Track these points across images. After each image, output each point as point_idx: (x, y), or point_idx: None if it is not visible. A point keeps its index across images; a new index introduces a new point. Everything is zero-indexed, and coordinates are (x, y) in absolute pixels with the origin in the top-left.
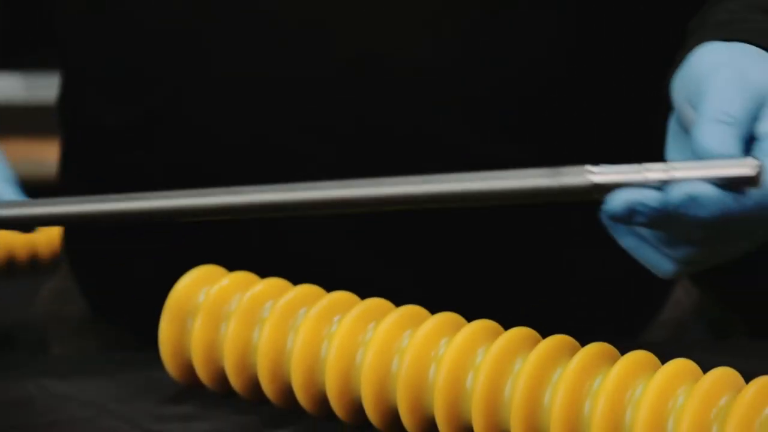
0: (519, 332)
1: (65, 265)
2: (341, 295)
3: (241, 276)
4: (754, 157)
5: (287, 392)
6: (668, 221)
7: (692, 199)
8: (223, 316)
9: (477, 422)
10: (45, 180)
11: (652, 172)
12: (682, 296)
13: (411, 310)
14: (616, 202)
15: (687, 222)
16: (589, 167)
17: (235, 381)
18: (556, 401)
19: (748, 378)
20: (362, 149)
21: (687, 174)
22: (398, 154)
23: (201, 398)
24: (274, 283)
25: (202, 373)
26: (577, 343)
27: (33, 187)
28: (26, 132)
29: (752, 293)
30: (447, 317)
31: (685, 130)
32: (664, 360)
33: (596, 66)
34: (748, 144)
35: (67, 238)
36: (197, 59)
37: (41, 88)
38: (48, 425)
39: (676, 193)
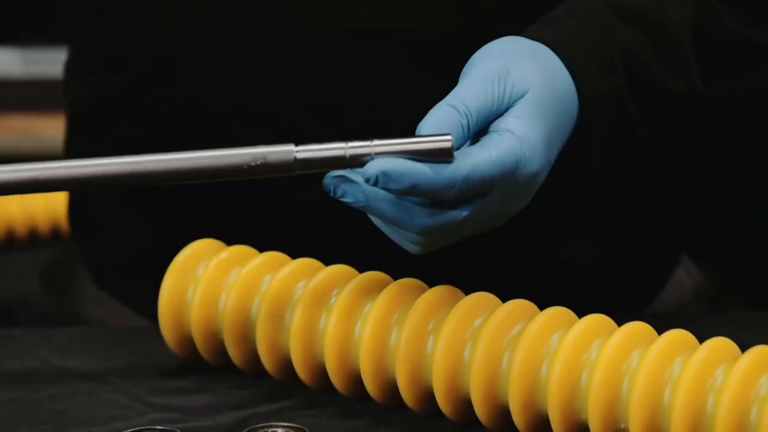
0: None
1: (68, 236)
2: (339, 269)
3: (240, 250)
4: (447, 133)
5: (286, 365)
6: (377, 201)
7: (385, 174)
8: (222, 289)
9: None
10: (44, 154)
11: (354, 148)
12: (684, 278)
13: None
14: (327, 179)
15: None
16: (294, 146)
17: (234, 354)
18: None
19: (744, 348)
20: (351, 122)
21: (387, 149)
22: (390, 124)
23: (201, 372)
24: (273, 256)
25: (202, 346)
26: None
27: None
28: (25, 107)
29: (748, 265)
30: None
31: None
32: (661, 332)
33: None
34: (476, 135)
35: (72, 208)
36: (188, 30)
37: (39, 63)
38: (48, 398)
39: (370, 169)
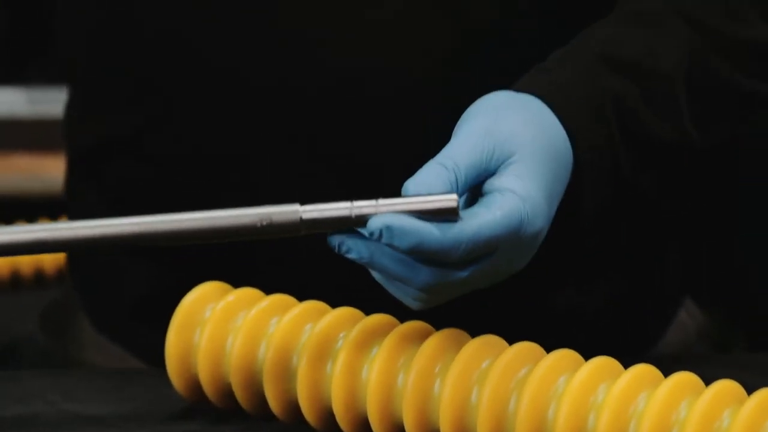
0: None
1: (69, 280)
2: (345, 312)
3: (247, 292)
4: (454, 192)
5: (294, 408)
6: (381, 257)
7: (389, 229)
8: (229, 332)
9: None
10: (49, 194)
11: (360, 208)
12: (687, 319)
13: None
14: (332, 238)
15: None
16: (299, 205)
17: (241, 397)
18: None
19: (749, 390)
20: (357, 163)
21: (392, 208)
22: (396, 165)
23: (208, 415)
24: (279, 299)
25: (209, 389)
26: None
27: (37, 202)
28: (30, 146)
29: (753, 306)
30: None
31: None
32: (667, 374)
33: None
34: (473, 194)
35: (71, 254)
36: (196, 69)
37: (45, 102)
38: None
39: (374, 224)
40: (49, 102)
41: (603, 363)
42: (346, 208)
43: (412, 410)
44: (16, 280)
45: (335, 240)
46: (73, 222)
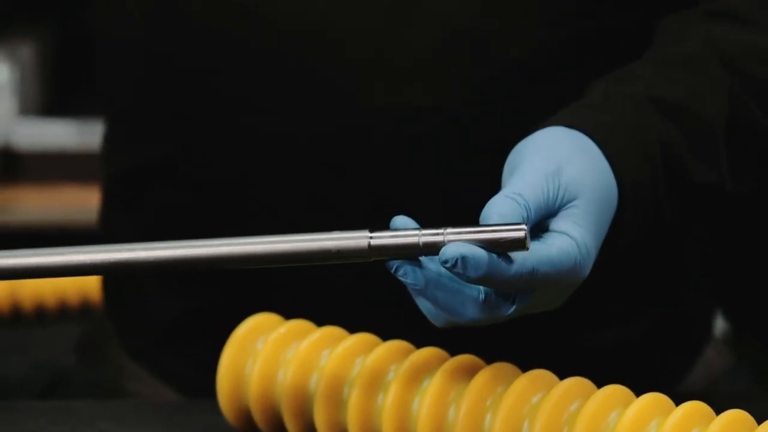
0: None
1: (100, 309)
2: (397, 345)
3: (298, 324)
4: (522, 222)
5: None
6: (434, 289)
7: (464, 259)
8: (281, 363)
9: None
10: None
11: (427, 236)
12: (714, 357)
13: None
14: (392, 265)
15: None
16: (368, 232)
17: (292, 428)
18: None
19: None
20: (383, 196)
21: (460, 237)
22: (421, 202)
23: None
24: (330, 331)
25: (260, 420)
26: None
27: (86, 234)
28: (79, 178)
29: None
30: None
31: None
32: (720, 411)
33: None
34: (534, 233)
35: (105, 280)
36: (226, 100)
37: (93, 134)
38: None
39: (449, 253)
40: (97, 134)
41: (653, 399)
42: (414, 235)
43: None
44: (41, 314)
45: (393, 263)
46: (143, 244)
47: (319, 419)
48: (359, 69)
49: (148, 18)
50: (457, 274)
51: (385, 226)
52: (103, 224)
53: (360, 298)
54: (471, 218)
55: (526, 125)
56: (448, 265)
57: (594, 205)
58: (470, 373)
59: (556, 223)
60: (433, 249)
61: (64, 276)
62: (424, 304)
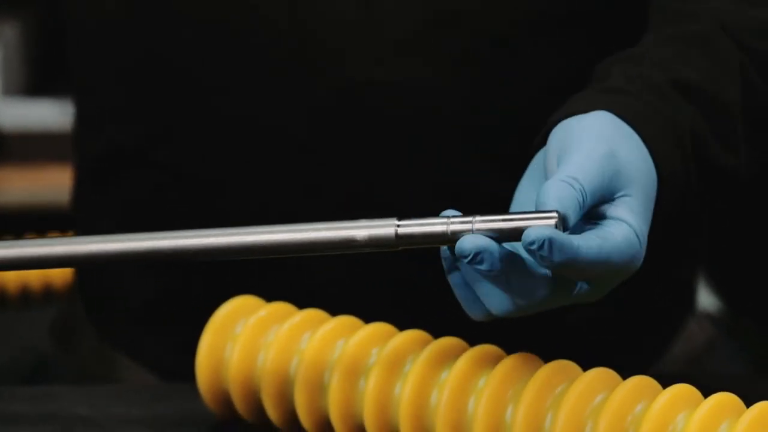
0: (559, 365)
1: (75, 291)
2: (378, 327)
3: (279, 307)
4: (554, 210)
5: (326, 425)
6: (506, 282)
7: (551, 241)
8: (260, 347)
9: None
10: None
11: (456, 224)
12: (696, 331)
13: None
14: (466, 244)
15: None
16: (395, 220)
17: (272, 413)
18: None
19: None
20: (363, 177)
21: (490, 225)
22: (407, 195)
23: (239, 430)
24: (312, 314)
25: (240, 404)
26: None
27: (68, 214)
28: (64, 158)
29: None
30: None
31: (544, 174)
32: (708, 394)
33: None
34: (588, 219)
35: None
36: (199, 83)
37: None
38: None
39: (532, 235)
40: None
41: (640, 382)
42: (443, 224)
43: (446, 428)
44: (25, 297)
45: (468, 249)
46: (153, 234)
47: (300, 404)
48: (335, 48)
49: (117, 3)
50: (541, 257)
51: (364, 208)
52: (75, 206)
53: (341, 281)
54: (450, 195)
55: (506, 101)
56: (534, 246)
57: (645, 191)
58: (454, 355)
59: (614, 210)
60: (458, 238)
61: (48, 268)
62: (465, 294)
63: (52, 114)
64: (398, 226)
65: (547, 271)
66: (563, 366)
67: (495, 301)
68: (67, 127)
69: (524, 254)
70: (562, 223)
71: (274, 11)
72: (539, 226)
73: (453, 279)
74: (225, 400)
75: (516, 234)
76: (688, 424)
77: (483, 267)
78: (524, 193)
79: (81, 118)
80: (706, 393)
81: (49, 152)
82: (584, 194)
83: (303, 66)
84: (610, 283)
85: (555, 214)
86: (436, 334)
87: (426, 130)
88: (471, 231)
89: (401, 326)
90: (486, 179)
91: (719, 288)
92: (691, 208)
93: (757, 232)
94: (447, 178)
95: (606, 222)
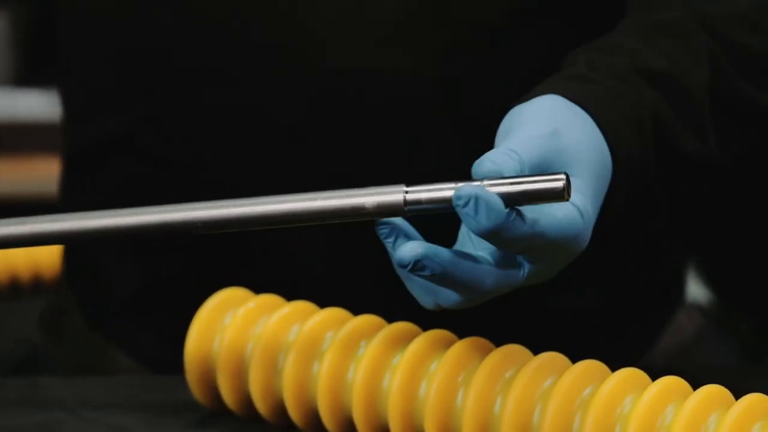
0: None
1: (64, 280)
2: (367, 319)
3: (267, 299)
4: (563, 172)
5: (314, 417)
6: (451, 277)
7: (476, 199)
8: (249, 339)
9: None
10: None
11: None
12: (685, 322)
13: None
14: (405, 253)
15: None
16: (404, 186)
17: (260, 405)
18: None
19: None
20: (351, 159)
21: (500, 189)
22: (385, 162)
23: (227, 423)
24: (300, 306)
25: (228, 397)
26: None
27: (56, 204)
28: (53, 149)
29: None
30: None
31: None
32: (697, 386)
33: None
34: None
35: (66, 250)
36: (188, 69)
37: None
38: None
39: (464, 190)
40: None
41: (629, 374)
42: (450, 188)
43: (434, 420)
44: (15, 289)
45: (407, 259)
46: (163, 207)
47: (287, 394)
48: (323, 36)
49: None
50: (467, 218)
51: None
52: (63, 196)
53: (330, 273)
54: (440, 180)
55: (491, 88)
56: (460, 202)
57: (593, 172)
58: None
59: None
60: None
61: (36, 246)
62: (413, 285)
63: (40, 105)
64: (407, 192)
65: (490, 261)
66: (552, 357)
67: (443, 295)
68: (56, 118)
69: (467, 250)
70: (569, 188)
71: (261, 3)
72: (469, 185)
73: (401, 272)
74: (213, 391)
75: (524, 197)
76: (677, 416)
77: (425, 273)
78: None
79: (69, 107)
80: (696, 385)
81: (38, 143)
82: (523, 166)
83: (290, 56)
84: (556, 261)
85: (563, 176)
86: (424, 326)
87: (410, 120)
88: None
89: (389, 318)
90: (470, 168)
91: (709, 279)
92: (653, 192)
93: (748, 222)
94: (432, 168)
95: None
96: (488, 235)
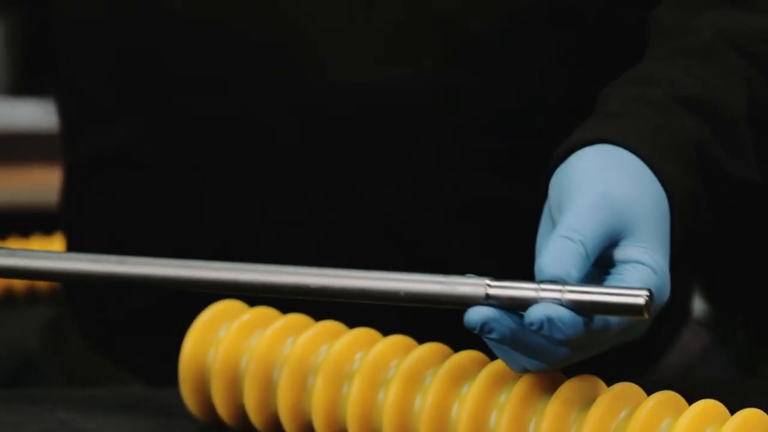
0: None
1: (61, 297)
2: (363, 332)
3: (262, 311)
4: (646, 288)
5: (308, 430)
6: (522, 342)
7: (549, 321)
8: (244, 352)
9: None
10: None
11: (546, 291)
12: (690, 340)
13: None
14: (473, 315)
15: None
16: (488, 280)
17: (255, 418)
18: None
19: None
20: (349, 176)
21: (580, 297)
22: (391, 196)
23: None
24: (295, 319)
25: (223, 410)
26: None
27: (54, 214)
28: (49, 159)
29: None
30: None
31: (552, 223)
32: (693, 400)
33: (590, 104)
34: (601, 267)
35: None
36: (184, 81)
37: None
38: None
39: (534, 314)
40: None
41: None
42: (533, 289)
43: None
44: (11, 298)
45: (477, 321)
46: (212, 263)
47: (283, 408)
48: (317, 47)
49: (105, 3)
50: (543, 336)
51: (349, 208)
52: (63, 207)
53: None
54: (434, 195)
55: (488, 101)
56: (534, 327)
57: (654, 222)
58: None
59: (623, 252)
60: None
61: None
62: (498, 350)
63: (37, 114)
64: (489, 286)
65: None
66: (545, 377)
67: (523, 360)
68: (53, 128)
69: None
70: (651, 301)
71: (258, 14)
72: (541, 305)
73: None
74: (208, 403)
75: (601, 309)
76: (671, 431)
77: (493, 336)
78: (541, 243)
79: (68, 118)
80: (692, 400)
81: (34, 152)
82: (586, 245)
83: (289, 66)
84: (642, 325)
85: (646, 292)
86: (424, 341)
87: (409, 131)
88: (560, 300)
89: (385, 332)
90: (468, 179)
91: (709, 295)
92: (706, 221)
93: (748, 238)
94: (431, 179)
95: (617, 269)
96: (564, 344)
